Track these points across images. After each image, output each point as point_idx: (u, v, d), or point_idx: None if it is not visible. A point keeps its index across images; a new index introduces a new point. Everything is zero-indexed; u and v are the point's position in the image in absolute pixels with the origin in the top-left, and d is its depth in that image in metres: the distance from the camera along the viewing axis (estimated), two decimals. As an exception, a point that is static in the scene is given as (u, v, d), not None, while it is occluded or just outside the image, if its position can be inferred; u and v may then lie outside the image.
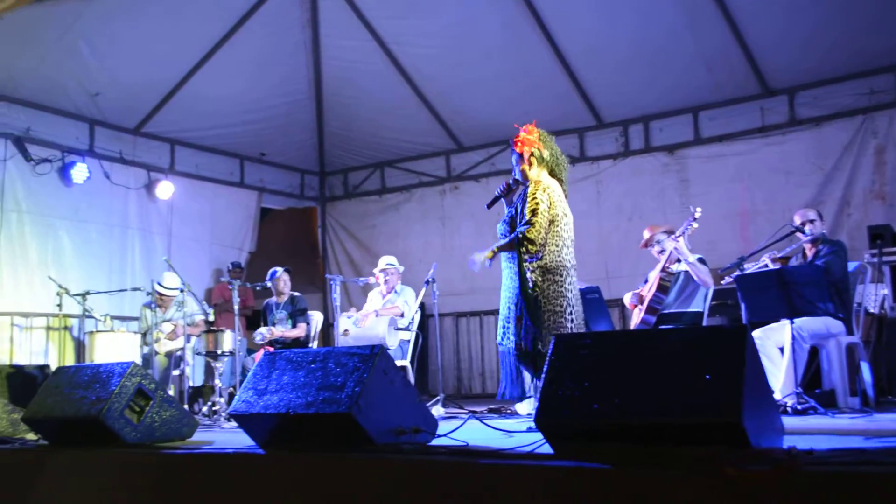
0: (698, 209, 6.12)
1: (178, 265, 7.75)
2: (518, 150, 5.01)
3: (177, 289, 7.60)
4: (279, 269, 7.96)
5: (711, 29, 7.95)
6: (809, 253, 5.91)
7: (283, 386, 3.57)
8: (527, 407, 6.00)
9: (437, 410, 6.21)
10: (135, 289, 8.00)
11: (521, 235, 4.79)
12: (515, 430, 4.32)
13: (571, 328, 4.76)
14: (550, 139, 5.07)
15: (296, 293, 8.01)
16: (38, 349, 8.25)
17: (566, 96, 9.18)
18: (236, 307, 6.90)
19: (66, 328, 8.27)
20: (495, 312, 5.22)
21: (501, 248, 4.93)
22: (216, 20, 8.51)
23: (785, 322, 5.36)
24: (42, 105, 8.49)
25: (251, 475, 3.41)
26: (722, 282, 6.23)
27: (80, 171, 8.57)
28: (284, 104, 9.95)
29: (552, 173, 5.02)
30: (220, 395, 6.48)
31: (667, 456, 2.51)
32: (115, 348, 7.11)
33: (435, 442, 3.50)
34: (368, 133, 10.54)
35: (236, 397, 3.74)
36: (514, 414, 6.10)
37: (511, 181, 5.15)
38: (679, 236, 6.19)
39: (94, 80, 8.45)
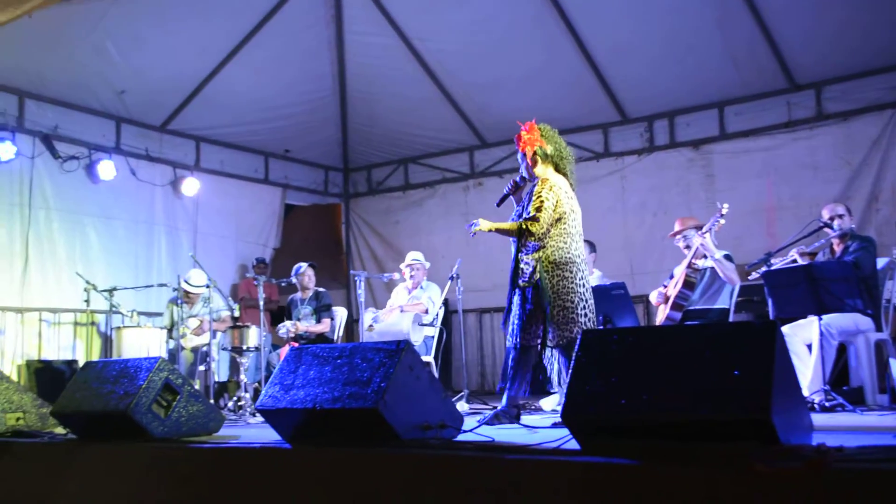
0: (725, 205, 6.07)
1: (204, 261, 7.80)
2: (521, 149, 5.02)
3: (203, 285, 7.65)
4: (304, 265, 7.99)
5: (738, 23, 7.86)
6: (837, 249, 5.85)
7: (310, 381, 3.58)
8: (551, 403, 6.00)
9: (461, 406, 6.21)
10: (161, 284, 8.07)
11: (523, 224, 4.80)
12: (541, 425, 4.31)
13: (585, 323, 4.75)
14: (553, 133, 5.07)
15: (320, 289, 8.03)
16: (66, 344, 8.37)
17: (591, 92, 9.13)
18: (261, 303, 6.94)
19: (93, 324, 8.34)
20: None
21: (500, 230, 4.97)
22: (240, 17, 8.54)
23: (813, 318, 5.31)
24: (69, 103, 8.58)
25: (277, 470, 3.42)
26: (749, 278, 6.18)
27: (106, 169, 8.63)
28: (308, 101, 9.97)
29: (557, 168, 5.01)
30: (245, 391, 6.52)
31: (695, 452, 2.49)
32: (141, 343, 7.18)
33: (460, 437, 3.50)
34: (392, 129, 10.54)
35: (263, 392, 3.76)
36: (539, 410, 6.09)
37: (518, 179, 5.17)
38: (706, 232, 6.15)
39: (120, 78, 8.51)
